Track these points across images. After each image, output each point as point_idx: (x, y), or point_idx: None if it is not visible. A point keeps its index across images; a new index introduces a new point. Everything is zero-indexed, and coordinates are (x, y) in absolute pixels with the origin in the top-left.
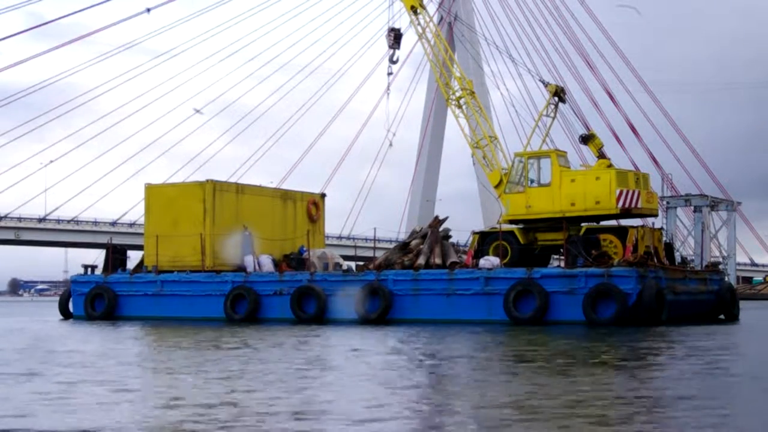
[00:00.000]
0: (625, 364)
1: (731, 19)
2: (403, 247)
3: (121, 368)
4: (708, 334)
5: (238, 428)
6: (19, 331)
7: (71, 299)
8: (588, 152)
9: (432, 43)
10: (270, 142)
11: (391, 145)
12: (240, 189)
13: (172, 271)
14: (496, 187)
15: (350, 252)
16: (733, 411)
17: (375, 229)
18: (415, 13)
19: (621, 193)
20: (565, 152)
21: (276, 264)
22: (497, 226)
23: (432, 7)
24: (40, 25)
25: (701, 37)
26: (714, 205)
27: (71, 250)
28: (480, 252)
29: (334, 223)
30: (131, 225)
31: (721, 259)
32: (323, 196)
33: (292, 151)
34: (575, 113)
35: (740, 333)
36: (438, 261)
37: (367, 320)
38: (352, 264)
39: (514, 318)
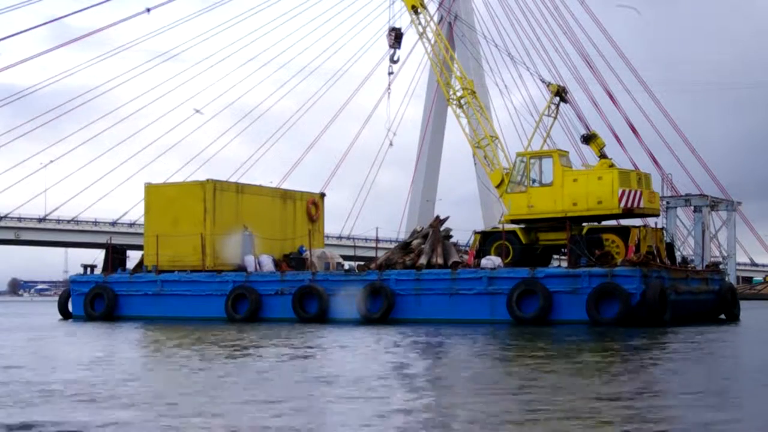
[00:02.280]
0: None
1: (732, 19)
2: (405, 246)
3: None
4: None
5: None
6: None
7: (71, 299)
8: (589, 152)
9: (432, 42)
10: (288, 146)
11: (391, 144)
12: (240, 189)
13: (172, 271)
14: (498, 186)
15: (350, 252)
16: None
17: (377, 228)
18: (416, 12)
19: (623, 193)
20: (567, 152)
21: (276, 264)
22: (499, 225)
23: (432, 7)
24: (40, 25)
25: (702, 38)
26: (714, 205)
27: (71, 250)
28: (481, 252)
29: (345, 223)
30: (131, 225)
31: (721, 259)
32: (323, 195)
33: (316, 155)
34: (576, 113)
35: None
36: (440, 261)
37: (369, 320)
38: (353, 264)
39: (517, 318)
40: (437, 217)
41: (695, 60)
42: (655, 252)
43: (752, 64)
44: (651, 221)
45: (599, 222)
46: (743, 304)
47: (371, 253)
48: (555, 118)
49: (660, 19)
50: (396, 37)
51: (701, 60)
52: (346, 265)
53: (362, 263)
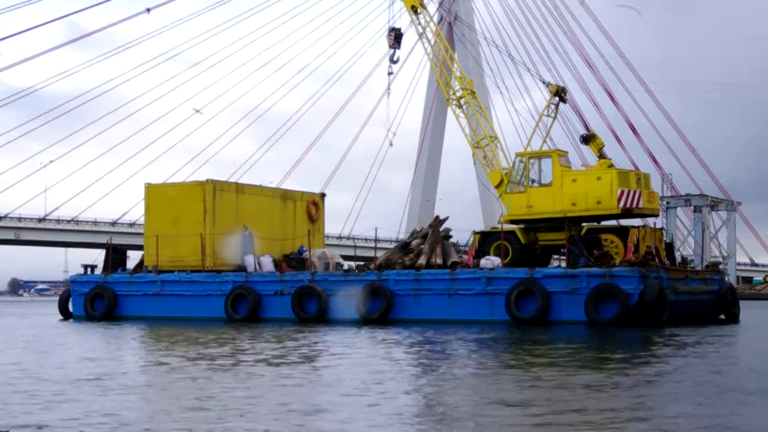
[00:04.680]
0: None
1: (734, 19)
2: (404, 247)
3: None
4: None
5: None
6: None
7: (71, 299)
8: (588, 152)
9: (432, 42)
10: (302, 147)
11: (391, 144)
12: (240, 189)
13: (172, 271)
14: (497, 187)
15: (350, 252)
16: None
17: (376, 229)
18: (416, 12)
19: (622, 193)
20: (566, 152)
21: (276, 264)
22: (498, 225)
23: (432, 7)
24: (40, 25)
25: (705, 38)
26: (714, 205)
27: (71, 250)
28: (481, 252)
29: (345, 224)
30: (131, 225)
31: (721, 259)
32: (323, 196)
33: (325, 156)
34: (576, 113)
35: None
36: (439, 261)
37: (369, 320)
38: (352, 264)
39: (515, 318)
40: (437, 217)
41: (696, 60)
42: (654, 252)
43: (756, 64)
44: (650, 221)
45: (598, 222)
46: (743, 304)
47: (372, 253)
48: (554, 118)
49: (664, 20)
50: (396, 37)
51: (702, 60)
52: (346, 265)
53: (362, 263)
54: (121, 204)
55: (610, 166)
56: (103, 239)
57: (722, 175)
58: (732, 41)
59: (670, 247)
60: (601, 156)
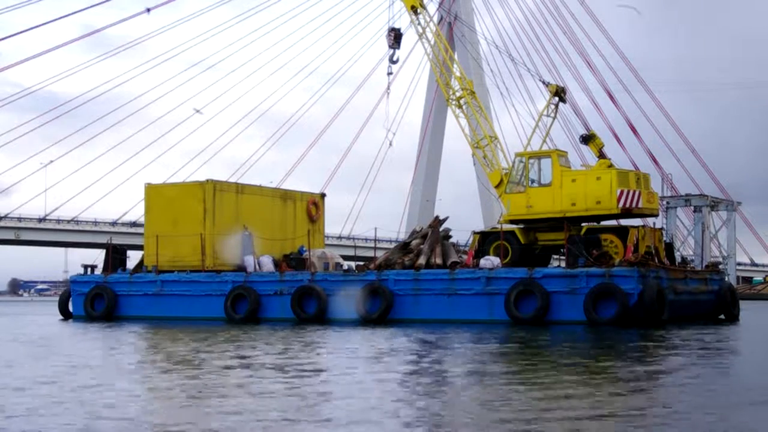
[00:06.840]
0: None
1: (736, 19)
2: (404, 247)
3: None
4: None
5: None
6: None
7: (71, 299)
8: (588, 152)
9: (432, 42)
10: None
11: (390, 144)
12: (240, 189)
13: (172, 271)
14: (497, 187)
15: (350, 252)
16: None
17: (376, 229)
18: (416, 12)
19: (622, 193)
20: (566, 152)
21: (276, 264)
22: (498, 226)
23: (432, 7)
24: (39, 25)
25: (704, 36)
26: (714, 205)
27: (71, 250)
28: (480, 252)
29: (345, 224)
30: (131, 225)
31: (721, 259)
32: (323, 196)
33: (335, 157)
34: (576, 113)
35: None
36: (439, 261)
37: (368, 320)
38: (352, 264)
39: (515, 318)
40: (436, 217)
41: (697, 59)
42: (653, 252)
43: (756, 63)
44: (650, 221)
45: (598, 222)
46: (743, 304)
47: (371, 253)
48: (554, 118)
49: (666, 18)
50: (395, 37)
51: (703, 59)
52: (345, 265)
53: (362, 263)
54: (122, 204)
55: (610, 166)
56: (103, 239)
57: (733, 175)
58: (746, 42)
59: (669, 247)
60: (601, 156)
